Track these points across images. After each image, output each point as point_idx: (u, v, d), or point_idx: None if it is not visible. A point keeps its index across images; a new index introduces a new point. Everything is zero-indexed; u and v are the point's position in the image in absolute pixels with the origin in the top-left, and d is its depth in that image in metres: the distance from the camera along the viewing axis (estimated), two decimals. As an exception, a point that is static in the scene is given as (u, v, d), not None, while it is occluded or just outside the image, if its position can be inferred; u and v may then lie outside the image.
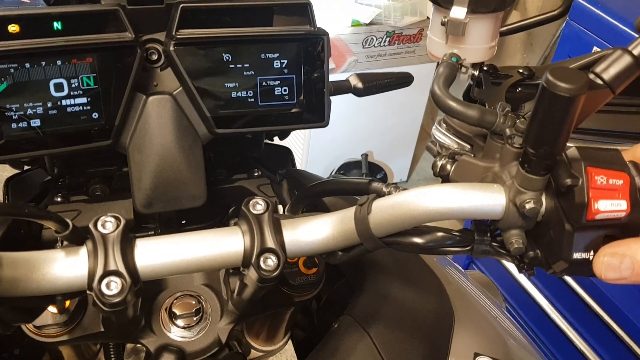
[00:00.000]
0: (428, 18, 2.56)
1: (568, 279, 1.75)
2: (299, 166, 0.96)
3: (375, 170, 2.83)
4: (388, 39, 2.56)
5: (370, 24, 2.48)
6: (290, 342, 0.98)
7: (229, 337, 0.73)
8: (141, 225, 0.81)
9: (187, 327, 0.72)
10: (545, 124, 0.45)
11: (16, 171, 0.81)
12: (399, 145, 3.07)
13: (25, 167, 0.81)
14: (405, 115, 2.94)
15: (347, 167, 2.81)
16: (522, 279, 1.95)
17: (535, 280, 1.92)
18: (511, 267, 1.99)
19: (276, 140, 0.94)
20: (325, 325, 0.83)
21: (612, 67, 0.46)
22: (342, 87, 0.86)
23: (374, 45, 2.55)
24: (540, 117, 0.45)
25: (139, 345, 0.76)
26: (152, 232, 0.81)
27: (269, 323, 0.93)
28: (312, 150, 2.74)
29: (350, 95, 0.89)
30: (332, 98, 0.78)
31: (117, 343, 0.87)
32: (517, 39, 2.64)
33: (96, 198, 0.78)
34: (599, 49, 1.63)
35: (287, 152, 0.95)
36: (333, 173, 2.78)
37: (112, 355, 0.87)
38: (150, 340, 0.70)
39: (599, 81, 0.47)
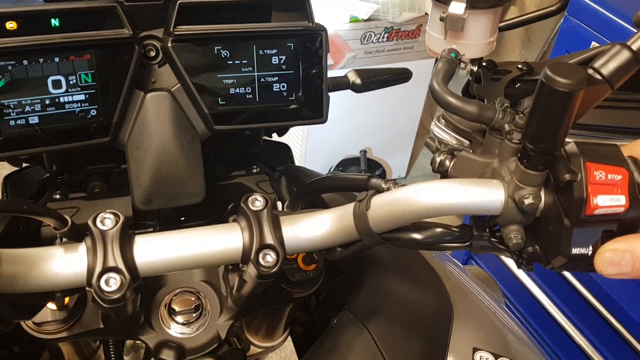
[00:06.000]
0: (426, 14, 2.55)
1: (566, 274, 1.75)
2: (297, 163, 0.96)
3: (374, 167, 2.83)
4: (386, 35, 2.56)
5: (369, 20, 2.47)
6: (289, 338, 0.98)
7: (229, 333, 0.73)
8: (140, 222, 0.80)
9: (186, 324, 0.72)
10: (544, 119, 0.45)
11: (14, 168, 0.81)
12: (397, 141, 3.07)
13: (24, 165, 0.81)
14: (404, 111, 2.94)
15: (346, 164, 2.81)
16: (521, 274, 1.95)
17: (533, 276, 1.92)
18: (510, 262, 1.99)
19: (274, 137, 0.94)
20: (324, 322, 0.83)
21: (611, 62, 0.46)
22: (341, 83, 0.86)
23: (372, 41, 2.54)
24: (539, 113, 0.45)
25: (138, 341, 0.77)
26: (151, 229, 0.81)
27: (268, 319, 0.93)
28: (310, 146, 2.73)
29: (349, 91, 0.89)
30: (331, 94, 0.78)
31: (116, 340, 0.87)
32: (515, 34, 2.63)
33: (95, 195, 0.78)
34: (597, 44, 1.63)
35: (285, 149, 0.95)
36: (332, 170, 2.78)
37: (112, 352, 0.87)
38: (149, 336, 0.71)
39: (598, 76, 0.47)
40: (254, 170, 0.88)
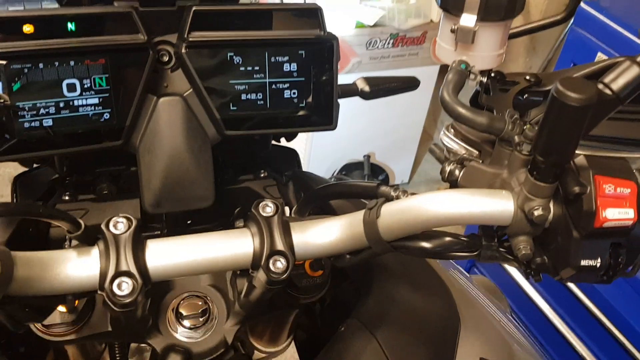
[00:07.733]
0: (432, 21, 2.56)
1: (571, 285, 1.75)
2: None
3: (377, 172, 2.84)
4: (392, 41, 2.56)
5: (375, 25, 2.48)
6: (293, 343, 0.98)
7: (235, 338, 0.74)
8: (147, 225, 0.81)
9: (193, 328, 0.72)
10: (554, 132, 0.45)
11: (24, 169, 0.82)
12: (401, 146, 3.08)
13: (34, 165, 0.82)
14: (408, 117, 2.94)
15: (349, 168, 2.81)
16: (525, 284, 1.95)
17: (537, 286, 1.91)
18: (513, 272, 1.99)
19: (282, 142, 0.95)
20: (328, 327, 0.83)
21: (621, 77, 0.47)
22: (350, 90, 0.87)
23: (377, 47, 2.55)
24: (550, 126, 0.45)
25: (143, 345, 0.77)
26: (159, 232, 0.81)
27: (272, 324, 0.93)
28: (314, 150, 2.74)
29: (353, 96, 0.90)
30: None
31: (122, 342, 0.88)
32: (520, 42, 2.64)
33: (103, 197, 0.79)
34: (603, 55, 1.63)
35: (293, 154, 0.95)
36: (335, 174, 2.79)
37: (117, 355, 0.87)
38: (156, 340, 0.71)
39: (608, 91, 0.47)
40: (262, 175, 0.88)
